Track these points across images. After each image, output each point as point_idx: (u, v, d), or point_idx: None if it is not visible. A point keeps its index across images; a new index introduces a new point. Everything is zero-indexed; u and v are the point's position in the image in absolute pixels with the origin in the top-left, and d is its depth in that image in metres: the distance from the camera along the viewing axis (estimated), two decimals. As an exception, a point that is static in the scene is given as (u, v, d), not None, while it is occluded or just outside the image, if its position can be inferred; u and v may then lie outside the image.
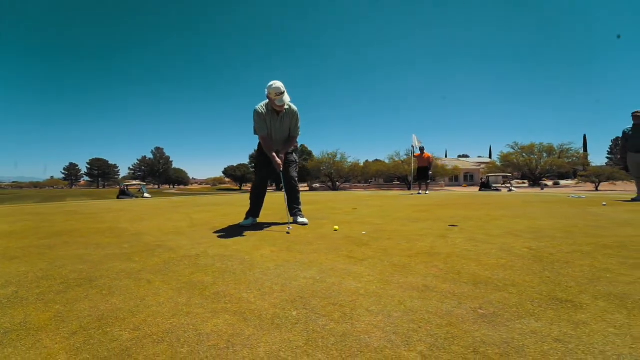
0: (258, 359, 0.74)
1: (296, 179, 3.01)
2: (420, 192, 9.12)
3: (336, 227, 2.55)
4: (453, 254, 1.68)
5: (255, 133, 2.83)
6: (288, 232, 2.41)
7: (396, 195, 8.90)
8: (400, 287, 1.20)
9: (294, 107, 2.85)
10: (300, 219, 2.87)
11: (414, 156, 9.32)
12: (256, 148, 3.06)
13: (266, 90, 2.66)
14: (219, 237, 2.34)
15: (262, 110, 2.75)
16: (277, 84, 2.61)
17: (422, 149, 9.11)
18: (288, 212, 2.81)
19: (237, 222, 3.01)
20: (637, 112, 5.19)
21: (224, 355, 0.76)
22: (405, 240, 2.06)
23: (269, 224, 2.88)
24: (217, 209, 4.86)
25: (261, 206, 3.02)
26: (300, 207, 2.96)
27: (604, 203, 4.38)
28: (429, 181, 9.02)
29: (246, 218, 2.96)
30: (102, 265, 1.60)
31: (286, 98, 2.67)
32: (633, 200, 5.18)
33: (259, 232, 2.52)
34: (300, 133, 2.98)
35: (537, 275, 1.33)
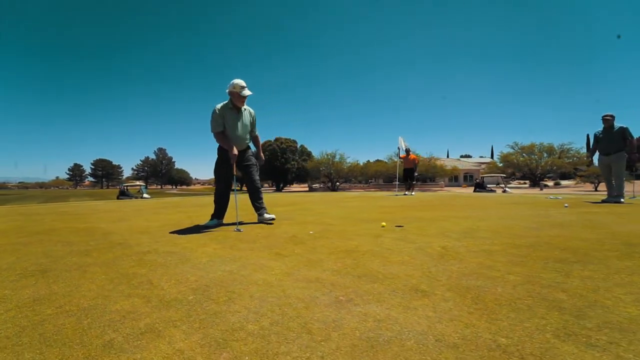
0: (136, 328, 0.98)
1: (258, 181, 3.26)
2: (407, 193, 9.31)
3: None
4: (369, 252, 1.90)
5: (212, 131, 3.05)
6: (240, 230, 2.67)
7: (381, 196, 9.10)
8: (295, 279, 1.43)
9: (250, 109, 3.23)
10: (267, 215, 3.13)
11: (400, 158, 9.53)
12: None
13: (229, 88, 2.98)
14: (178, 235, 2.59)
15: (221, 108, 3.01)
16: (239, 79, 2.98)
17: (407, 151, 9.32)
18: (237, 214, 3.02)
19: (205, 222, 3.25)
20: (607, 115, 5.35)
21: (112, 325, 0.99)
22: (341, 240, 2.28)
23: (233, 224, 3.12)
24: (200, 210, 5.12)
25: (225, 208, 3.26)
26: (264, 205, 3.21)
27: (566, 205, 4.55)
28: (414, 182, 9.22)
29: (211, 219, 3.20)
30: (62, 260, 1.85)
31: (247, 92, 3.00)
32: (602, 201, 5.33)
33: (215, 231, 2.76)
34: (257, 132, 3.37)
35: (423, 270, 1.54)
